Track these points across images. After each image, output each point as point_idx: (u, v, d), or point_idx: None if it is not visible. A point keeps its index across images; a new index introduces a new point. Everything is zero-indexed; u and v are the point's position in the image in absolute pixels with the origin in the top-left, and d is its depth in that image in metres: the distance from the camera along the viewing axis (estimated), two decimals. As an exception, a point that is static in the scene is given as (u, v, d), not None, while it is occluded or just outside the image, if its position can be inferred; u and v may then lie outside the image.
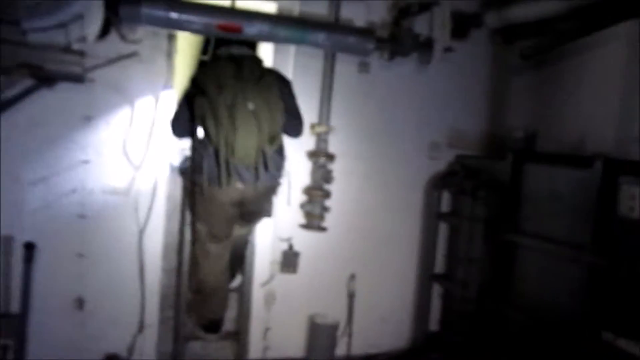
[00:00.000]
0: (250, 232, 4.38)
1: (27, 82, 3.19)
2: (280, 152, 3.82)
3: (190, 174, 3.83)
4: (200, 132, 3.65)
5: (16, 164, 3.91)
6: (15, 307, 3.83)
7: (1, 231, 3.91)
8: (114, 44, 4.01)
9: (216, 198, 3.72)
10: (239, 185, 3.63)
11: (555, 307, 3.87)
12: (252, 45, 3.94)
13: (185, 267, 4.32)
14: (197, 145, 3.71)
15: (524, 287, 4.20)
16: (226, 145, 3.52)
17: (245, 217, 4.00)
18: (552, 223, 3.98)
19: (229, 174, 3.57)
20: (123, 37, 4.04)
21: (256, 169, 3.62)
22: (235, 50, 3.76)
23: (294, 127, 3.94)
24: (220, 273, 4.10)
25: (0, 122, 3.71)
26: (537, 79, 4.48)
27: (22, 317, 3.62)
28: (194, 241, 4.11)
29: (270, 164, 3.65)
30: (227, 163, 3.55)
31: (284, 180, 4.12)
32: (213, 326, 4.27)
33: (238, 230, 4.08)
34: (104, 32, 3.91)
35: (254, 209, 3.98)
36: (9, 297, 3.94)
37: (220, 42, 3.88)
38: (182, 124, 3.81)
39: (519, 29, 4.41)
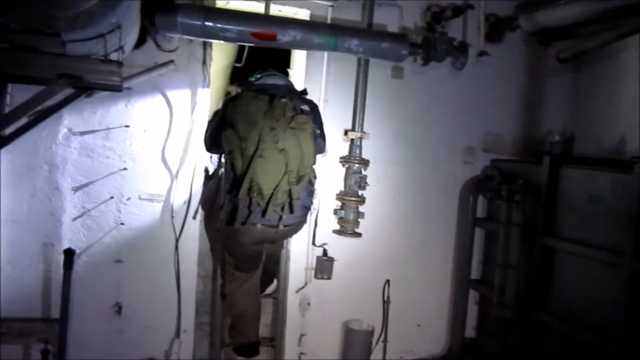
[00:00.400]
0: (281, 247, 4.38)
1: (67, 92, 3.23)
2: (308, 189, 3.79)
3: (209, 204, 3.87)
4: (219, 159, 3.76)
5: (56, 172, 4.00)
6: (55, 312, 3.89)
7: (42, 239, 4.00)
8: (150, 53, 4.09)
9: (236, 237, 3.71)
10: (259, 226, 3.59)
11: (595, 314, 3.80)
12: (284, 62, 3.98)
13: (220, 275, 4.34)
14: (221, 177, 3.74)
15: (562, 294, 4.13)
16: (251, 184, 3.47)
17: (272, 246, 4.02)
18: (591, 228, 3.91)
19: (249, 215, 3.53)
20: (159, 46, 4.11)
21: (282, 209, 3.56)
22: (270, 80, 3.78)
23: (320, 148, 3.91)
24: (249, 298, 4.02)
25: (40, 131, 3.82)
26: (574, 82, 4.42)
27: (62, 323, 3.67)
28: (222, 265, 4.11)
29: (296, 205, 3.60)
30: (250, 203, 3.52)
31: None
32: (247, 350, 4.09)
33: (268, 248, 4.00)
34: (140, 42, 4.00)
35: (278, 245, 4.07)
36: (50, 303, 4.03)
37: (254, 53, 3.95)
38: (212, 142, 3.87)
39: (554, 31, 4.35)
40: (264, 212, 3.51)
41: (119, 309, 4.22)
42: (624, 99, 4.07)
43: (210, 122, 3.95)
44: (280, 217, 3.57)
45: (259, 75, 3.86)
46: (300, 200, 3.62)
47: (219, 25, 3.60)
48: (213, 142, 3.84)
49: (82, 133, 4.03)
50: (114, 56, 3.21)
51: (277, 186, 3.48)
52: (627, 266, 3.51)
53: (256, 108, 3.52)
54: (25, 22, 2.52)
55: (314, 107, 3.88)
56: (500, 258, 4.46)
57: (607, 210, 3.77)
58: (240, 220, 3.53)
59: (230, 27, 3.63)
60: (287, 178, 3.50)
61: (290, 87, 3.89)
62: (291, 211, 3.56)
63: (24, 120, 3.25)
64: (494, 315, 4.51)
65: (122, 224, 4.17)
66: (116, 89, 3.09)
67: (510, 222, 4.40)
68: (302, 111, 3.67)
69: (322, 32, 3.81)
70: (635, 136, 3.93)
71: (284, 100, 3.60)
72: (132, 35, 3.56)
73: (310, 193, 3.83)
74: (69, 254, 3.61)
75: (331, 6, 4.41)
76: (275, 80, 3.81)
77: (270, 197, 3.48)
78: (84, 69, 2.77)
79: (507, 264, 4.41)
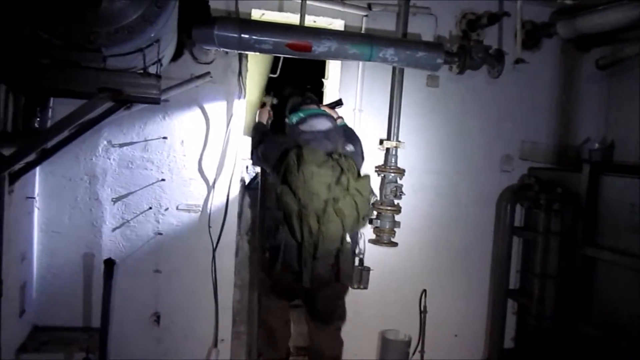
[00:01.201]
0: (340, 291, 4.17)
1: (106, 105, 3.29)
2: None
3: (267, 250, 3.85)
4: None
5: (96, 184, 4.08)
6: (96, 322, 3.95)
7: (83, 249, 4.08)
8: (186, 65, 4.16)
9: (282, 283, 3.82)
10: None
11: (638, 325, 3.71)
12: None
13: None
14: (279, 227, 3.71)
15: (604, 304, 4.05)
16: (308, 246, 3.59)
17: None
18: (633, 237, 3.82)
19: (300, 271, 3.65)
20: (195, 59, 4.17)
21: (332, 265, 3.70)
22: (317, 124, 3.83)
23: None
24: (281, 317, 4.04)
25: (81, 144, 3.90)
26: (613, 88, 4.32)
27: (103, 332, 3.72)
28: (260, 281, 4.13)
29: (347, 260, 3.79)
30: (305, 263, 3.62)
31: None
32: None
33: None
34: (177, 54, 4.06)
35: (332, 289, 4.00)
36: (90, 312, 4.10)
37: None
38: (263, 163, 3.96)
39: (593, 37, 4.28)
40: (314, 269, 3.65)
41: (157, 318, 4.28)
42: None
43: (259, 139, 3.98)
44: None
45: (302, 115, 3.87)
46: (350, 249, 3.84)
47: (254, 37, 3.63)
48: (264, 163, 3.95)
49: (121, 145, 4.12)
50: (152, 69, 3.27)
51: (331, 246, 3.64)
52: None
53: (318, 181, 3.57)
54: (68, 38, 2.58)
55: (355, 140, 4.04)
56: (538, 268, 4.40)
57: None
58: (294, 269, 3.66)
59: (266, 38, 3.64)
60: (342, 234, 3.67)
61: (335, 126, 3.93)
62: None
63: (65, 134, 3.32)
64: (533, 326, 4.44)
65: (160, 234, 4.23)
66: (155, 101, 3.13)
67: (549, 231, 4.34)
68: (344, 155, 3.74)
69: (357, 42, 3.80)
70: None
71: (338, 157, 3.68)
72: (169, 48, 3.61)
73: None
74: (109, 264, 3.66)
75: (365, 16, 4.43)
76: (321, 123, 3.85)
77: (324, 256, 3.64)
78: (124, 83, 2.81)
79: (546, 273, 4.35)
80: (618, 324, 3.92)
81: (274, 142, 3.88)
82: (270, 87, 4.84)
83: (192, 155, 4.25)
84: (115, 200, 4.14)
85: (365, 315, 4.64)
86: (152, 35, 2.80)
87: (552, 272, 4.32)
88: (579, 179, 4.19)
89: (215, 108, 4.28)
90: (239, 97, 4.30)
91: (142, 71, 2.99)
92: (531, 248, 4.60)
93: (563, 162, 4.84)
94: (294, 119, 3.89)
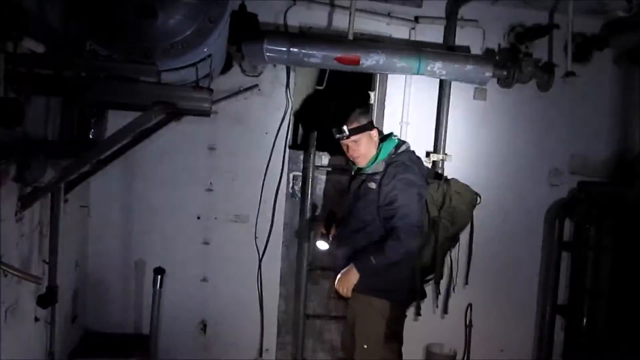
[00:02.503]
0: None
1: (160, 116, 3.37)
2: None
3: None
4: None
5: (148, 192, 4.19)
6: (146, 328, 4.03)
7: (134, 256, 4.20)
8: (235, 78, 4.24)
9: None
10: None
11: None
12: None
13: (303, 295, 4.38)
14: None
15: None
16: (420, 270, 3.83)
17: None
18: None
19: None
20: (244, 71, 4.24)
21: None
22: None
23: None
24: None
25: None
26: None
27: (152, 339, 3.80)
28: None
29: None
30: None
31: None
32: None
33: None
34: (226, 67, 4.14)
35: None
36: (141, 319, 4.19)
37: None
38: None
39: (647, 50, 4.20)
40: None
41: (204, 326, 4.35)
42: None
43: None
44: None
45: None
46: None
47: (303, 51, 3.68)
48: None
49: (172, 155, 4.20)
50: (203, 82, 3.34)
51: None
52: None
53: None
54: (127, 54, 2.66)
55: None
56: (589, 284, 4.31)
57: None
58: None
59: (314, 52, 3.69)
60: None
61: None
62: None
63: (120, 144, 3.42)
64: (583, 344, 4.34)
65: (207, 243, 4.30)
66: (205, 114, 3.19)
67: (600, 247, 4.25)
68: None
69: (405, 56, 3.82)
70: None
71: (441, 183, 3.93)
72: (220, 61, 3.69)
73: None
74: (159, 272, 3.73)
75: (412, 29, 4.44)
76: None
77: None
78: (177, 96, 2.87)
79: (597, 291, 4.25)
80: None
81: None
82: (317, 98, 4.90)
83: (239, 166, 4.32)
84: (167, 208, 4.22)
85: (411, 328, 4.58)
86: (205, 50, 2.87)
87: (604, 289, 4.21)
88: (632, 193, 4.09)
89: (263, 120, 4.35)
90: (287, 109, 4.35)
91: (194, 85, 3.06)
92: (580, 264, 4.50)
93: (615, 177, 4.73)
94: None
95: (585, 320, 4.31)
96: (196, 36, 2.77)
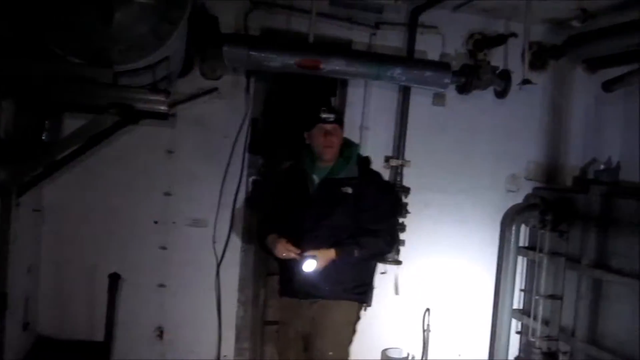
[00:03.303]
0: None
1: (116, 119, 3.31)
2: None
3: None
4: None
5: (104, 196, 4.10)
6: (99, 335, 3.94)
7: (88, 261, 4.10)
8: (195, 81, 4.16)
9: None
10: None
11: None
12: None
13: (261, 301, 4.36)
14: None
15: (611, 328, 4.01)
16: None
17: None
18: (640, 259, 3.80)
19: None
20: (204, 74, 4.18)
21: None
22: None
23: None
24: None
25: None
26: (622, 109, 4.32)
27: (106, 345, 3.72)
28: None
29: None
30: None
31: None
32: None
33: None
34: (186, 70, 4.08)
35: None
36: (95, 325, 4.08)
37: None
38: None
39: (601, 59, 4.29)
40: None
41: (160, 333, 4.27)
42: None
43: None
44: None
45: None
46: None
47: (263, 54, 3.67)
48: None
49: (130, 158, 4.12)
50: (162, 85, 3.30)
51: None
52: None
53: None
54: (82, 55, 2.60)
55: None
56: (544, 288, 4.38)
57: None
58: None
59: (274, 56, 3.69)
60: None
61: None
62: None
63: (75, 147, 3.34)
64: (538, 347, 4.41)
65: (165, 248, 4.23)
66: (163, 117, 3.15)
67: (554, 252, 4.32)
68: None
69: (365, 61, 3.85)
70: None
71: None
72: (179, 64, 3.64)
73: None
74: (114, 278, 3.66)
75: (373, 34, 4.46)
76: None
77: None
78: (133, 98, 2.83)
79: (551, 294, 4.33)
80: (625, 347, 3.88)
81: None
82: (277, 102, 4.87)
83: (198, 170, 4.27)
84: (123, 213, 4.14)
85: (368, 333, 4.58)
86: (163, 52, 2.83)
87: (558, 292, 4.29)
88: (586, 199, 4.16)
89: (222, 123, 4.30)
90: (246, 114, 4.31)
91: (151, 87, 3.01)
92: (535, 268, 4.57)
93: (571, 183, 4.83)
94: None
95: (539, 324, 4.37)
96: (154, 38, 2.74)
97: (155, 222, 4.23)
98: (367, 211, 3.53)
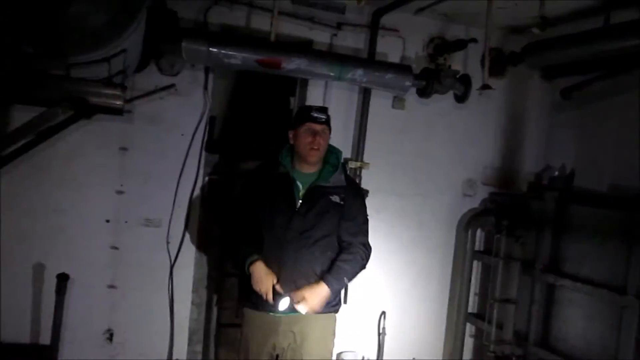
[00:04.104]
0: None
1: (68, 113, 3.19)
2: None
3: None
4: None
5: (53, 193, 3.94)
6: (45, 338, 3.79)
7: (35, 260, 3.93)
8: (151, 76, 4.05)
9: None
10: None
11: (600, 355, 3.74)
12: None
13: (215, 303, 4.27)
14: None
15: (563, 332, 4.07)
16: None
17: None
18: (593, 265, 3.85)
19: None
20: (161, 70, 4.07)
21: None
22: None
23: None
24: None
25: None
26: (578, 117, 4.38)
27: (52, 349, 3.58)
28: None
29: None
30: None
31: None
32: None
33: None
34: (143, 65, 3.97)
35: None
36: (39, 328, 3.93)
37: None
38: None
39: (559, 67, 4.35)
40: None
41: (110, 335, 4.14)
42: (626, 135, 4.02)
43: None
44: None
45: None
46: None
47: (223, 51, 3.58)
48: None
49: (82, 154, 3.98)
50: (117, 79, 3.20)
51: None
52: (632, 306, 3.46)
53: None
54: (35, 45, 2.49)
55: None
56: (498, 292, 4.42)
57: (611, 247, 3.73)
58: None
59: (235, 53, 3.61)
60: None
61: None
62: None
63: (24, 141, 3.20)
64: (492, 351, 4.44)
65: (116, 248, 4.10)
66: (117, 112, 3.05)
67: (509, 257, 4.36)
68: None
69: (327, 62, 3.80)
70: (634, 173, 3.89)
71: None
72: (135, 58, 3.53)
73: None
74: (63, 278, 3.52)
75: (335, 35, 4.42)
76: None
77: None
78: (87, 92, 2.73)
79: (506, 299, 4.37)
80: (576, 352, 3.94)
81: None
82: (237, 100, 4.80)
83: (153, 168, 4.14)
84: (73, 211, 3.99)
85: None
86: (119, 44, 2.73)
87: (512, 297, 4.33)
88: (541, 205, 4.22)
89: (179, 121, 4.19)
90: (204, 111, 4.22)
91: (107, 81, 2.91)
92: (491, 273, 4.61)
93: (527, 189, 4.88)
94: None
95: (493, 328, 4.40)
96: (111, 29, 2.64)
97: (107, 221, 4.08)
98: (348, 221, 3.45)
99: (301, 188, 3.41)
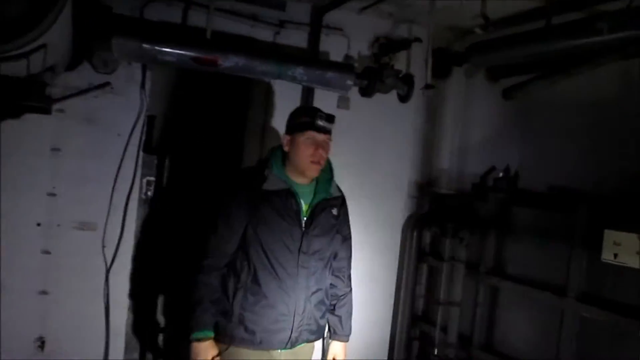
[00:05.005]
0: None
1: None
2: None
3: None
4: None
5: (-21, 195, 3.75)
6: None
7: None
8: (85, 74, 3.90)
9: None
10: None
11: (542, 358, 3.72)
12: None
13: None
14: None
15: (506, 335, 4.05)
16: None
17: None
18: (537, 267, 3.84)
19: None
20: (94, 67, 3.93)
21: None
22: None
23: None
24: None
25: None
26: (522, 118, 4.36)
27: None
28: None
29: None
30: None
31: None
32: None
33: None
34: (76, 62, 3.82)
35: None
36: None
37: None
38: None
39: (503, 68, 4.33)
40: None
41: (42, 343, 3.97)
42: (566, 135, 4.01)
43: None
44: None
45: None
46: None
47: (157, 47, 3.46)
48: None
49: (10, 155, 3.80)
50: (46, 76, 3.06)
51: None
52: (572, 308, 3.45)
53: None
54: None
55: None
56: (443, 295, 4.38)
57: (552, 249, 3.71)
58: None
59: (169, 50, 3.49)
60: None
61: None
62: None
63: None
64: (437, 354, 4.40)
65: (48, 252, 3.93)
66: (43, 111, 2.91)
67: (454, 259, 4.33)
68: None
69: (266, 59, 3.70)
70: (574, 173, 3.88)
71: None
72: (63, 55, 3.38)
73: None
74: (-17, 286, 3.35)
75: (277, 33, 4.33)
76: None
77: None
78: (2, 89, 2.58)
79: (450, 301, 4.33)
80: (520, 355, 3.92)
81: None
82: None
83: (87, 170, 3.98)
84: (1, 215, 3.80)
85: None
86: (36, 38, 2.58)
87: (456, 299, 4.30)
88: (485, 207, 4.19)
89: (115, 120, 4.04)
90: (142, 110, 4.08)
91: (25, 78, 2.76)
92: (436, 275, 4.58)
93: (472, 190, 4.83)
94: None
95: (437, 331, 4.37)
96: (24, 21, 2.49)
97: (38, 225, 3.91)
98: (344, 240, 3.25)
99: (303, 204, 2.99)
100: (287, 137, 2.99)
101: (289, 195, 2.93)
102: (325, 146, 2.96)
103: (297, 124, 2.98)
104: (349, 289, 3.38)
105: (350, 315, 3.36)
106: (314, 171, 2.96)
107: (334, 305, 3.31)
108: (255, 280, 2.89)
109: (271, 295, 2.89)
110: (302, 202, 2.98)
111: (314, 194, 3.04)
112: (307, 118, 2.97)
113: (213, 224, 2.93)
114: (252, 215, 2.89)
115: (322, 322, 3.17)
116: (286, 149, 2.99)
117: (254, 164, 3.37)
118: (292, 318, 2.93)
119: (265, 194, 2.89)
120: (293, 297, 2.92)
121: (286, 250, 2.90)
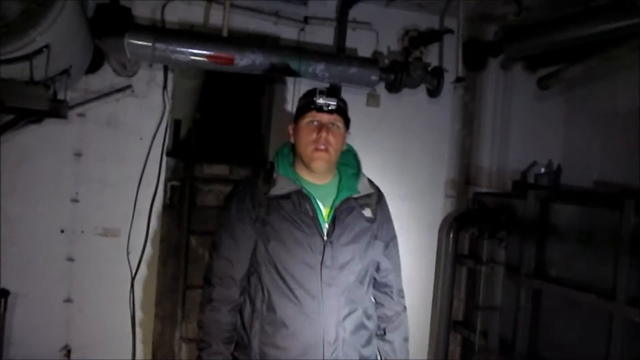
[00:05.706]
0: None
1: (6, 117, 3.00)
2: None
3: None
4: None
5: (2, 202, 3.71)
6: (-6, 359, 3.59)
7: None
8: (106, 78, 3.87)
9: None
10: None
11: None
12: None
13: (180, 316, 4.02)
14: None
15: (550, 339, 3.78)
16: None
17: None
18: (582, 268, 3.56)
19: None
20: (115, 70, 3.87)
21: None
22: None
23: None
24: None
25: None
26: (562, 109, 4.09)
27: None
28: None
29: None
30: None
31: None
32: None
33: None
34: (96, 66, 3.77)
35: None
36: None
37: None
38: None
39: (539, 57, 4.07)
40: None
41: (68, 352, 3.91)
42: (611, 129, 3.73)
43: None
44: None
45: None
46: None
47: (171, 47, 3.35)
48: None
49: (32, 161, 3.77)
50: (61, 80, 3.00)
51: None
52: (619, 312, 3.18)
53: None
54: None
55: None
56: (482, 299, 4.14)
57: (598, 249, 3.43)
58: None
59: (183, 49, 3.37)
60: None
61: None
62: None
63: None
64: (477, 361, 4.17)
65: (72, 260, 3.88)
66: (53, 114, 2.83)
67: (492, 261, 4.08)
68: None
69: (284, 56, 3.55)
70: (622, 167, 3.60)
71: None
72: (77, 57, 3.32)
73: None
74: (3, 294, 3.30)
75: (302, 29, 4.18)
76: None
77: None
78: (4, 92, 2.50)
79: (490, 305, 4.08)
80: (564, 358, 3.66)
81: None
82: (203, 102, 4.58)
83: (110, 175, 3.92)
84: (24, 222, 3.78)
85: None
86: (35, 38, 2.50)
87: (496, 304, 4.05)
88: (525, 205, 3.94)
89: (137, 124, 3.96)
90: (163, 112, 3.99)
91: (28, 80, 2.68)
92: (475, 278, 4.33)
93: (512, 188, 4.60)
94: None
95: (477, 337, 4.13)
96: (22, 21, 2.41)
97: (62, 231, 3.87)
98: (386, 247, 2.69)
99: (322, 207, 2.50)
100: (291, 127, 2.54)
101: (302, 197, 2.43)
102: (332, 128, 2.42)
103: (298, 109, 2.50)
104: (402, 307, 2.81)
105: (406, 340, 2.82)
106: (319, 161, 2.41)
107: (384, 329, 2.76)
108: (271, 307, 2.39)
109: (291, 323, 2.37)
110: (320, 205, 2.47)
111: (337, 194, 2.52)
112: (305, 98, 2.49)
113: (215, 246, 2.49)
114: (261, 229, 2.41)
115: (366, 351, 2.57)
116: (291, 140, 2.53)
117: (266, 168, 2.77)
118: (322, 349, 2.38)
119: (274, 201, 2.42)
120: (319, 323, 2.39)
121: (304, 267, 2.38)
